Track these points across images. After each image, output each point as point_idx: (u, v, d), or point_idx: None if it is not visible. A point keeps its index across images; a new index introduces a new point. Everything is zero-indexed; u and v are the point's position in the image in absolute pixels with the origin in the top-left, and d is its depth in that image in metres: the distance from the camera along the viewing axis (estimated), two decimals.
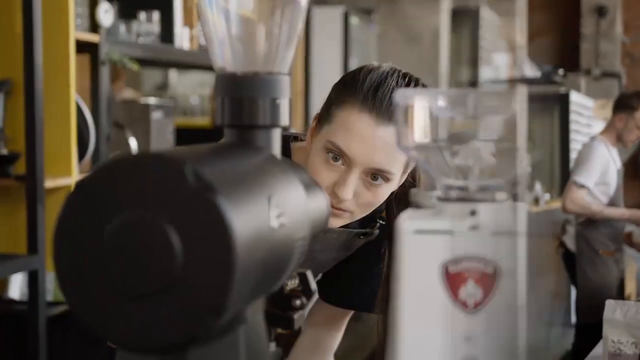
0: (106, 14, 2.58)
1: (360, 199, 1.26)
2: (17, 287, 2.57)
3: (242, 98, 0.77)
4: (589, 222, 4.23)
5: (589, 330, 4.12)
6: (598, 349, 2.10)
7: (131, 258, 0.59)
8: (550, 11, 6.87)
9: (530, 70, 5.79)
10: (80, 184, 0.61)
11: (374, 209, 1.29)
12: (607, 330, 1.89)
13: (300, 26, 0.81)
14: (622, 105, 4.26)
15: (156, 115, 2.94)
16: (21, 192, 2.33)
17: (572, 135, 6.61)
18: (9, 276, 2.55)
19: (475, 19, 6.82)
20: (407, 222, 0.67)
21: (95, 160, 2.57)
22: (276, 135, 0.79)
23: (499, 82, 5.40)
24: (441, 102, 0.68)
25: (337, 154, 1.23)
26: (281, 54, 0.79)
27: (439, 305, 0.66)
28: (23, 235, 2.29)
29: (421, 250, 0.67)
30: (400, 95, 0.69)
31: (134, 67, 2.71)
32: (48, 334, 2.35)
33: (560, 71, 6.29)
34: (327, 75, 5.72)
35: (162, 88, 5.43)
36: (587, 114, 7.11)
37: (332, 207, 1.25)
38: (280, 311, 0.85)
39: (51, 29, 2.40)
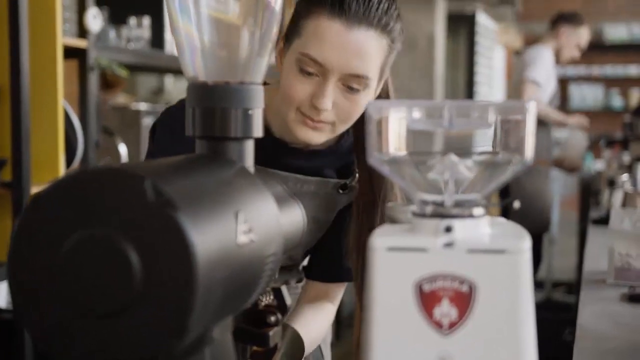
0: (95, 20, 2.55)
1: (339, 110, 1.24)
2: (3, 295, 2.54)
3: (213, 108, 0.75)
4: None
5: None
6: (601, 265, 1.87)
7: (89, 276, 0.57)
8: None
9: None
10: (37, 198, 0.58)
11: (354, 120, 1.27)
12: (613, 241, 1.72)
13: (274, 32, 0.79)
14: (568, 19, 4.47)
15: (147, 121, 2.91)
16: (7, 199, 2.31)
17: (476, 58, 6.73)
18: None
19: (472, 22, 6.83)
20: (379, 239, 0.65)
21: (84, 167, 2.54)
22: (249, 147, 0.76)
23: None
24: (416, 114, 0.66)
25: (310, 65, 1.21)
26: (254, 62, 0.77)
27: (413, 325, 0.64)
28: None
29: (394, 268, 0.64)
30: (373, 107, 0.66)
31: (123, 73, 2.68)
32: (34, 343, 2.32)
33: None
34: None
35: (157, 93, 5.40)
36: (491, 37, 7.24)
37: (312, 120, 1.24)
38: (254, 328, 0.82)
39: (38, 34, 2.38)
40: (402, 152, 0.68)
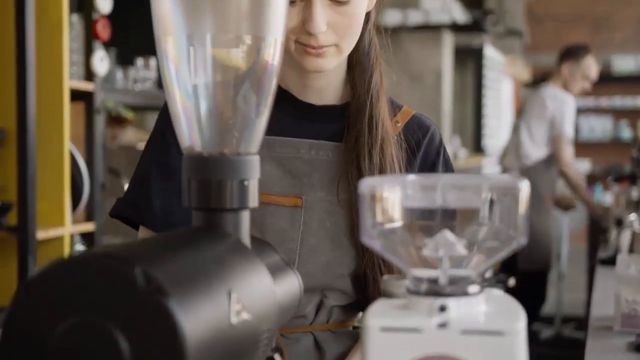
0: (102, 62, 2.57)
1: (336, 28, 1.18)
2: None
3: (209, 180, 0.74)
4: (535, 168, 4.39)
5: (528, 277, 4.18)
6: (608, 310, 1.84)
7: None
8: None
9: (460, 14, 5.77)
10: (27, 284, 0.58)
11: (357, 36, 1.21)
12: (620, 287, 1.69)
13: (269, 101, 0.79)
14: (569, 54, 4.56)
15: None
16: (13, 243, 2.31)
17: (484, 91, 6.76)
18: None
19: (479, 55, 6.86)
20: (373, 319, 0.64)
21: (90, 210, 2.55)
22: (245, 218, 0.76)
23: (428, 27, 5.40)
24: (409, 191, 0.65)
25: None
26: (250, 131, 0.77)
27: None
28: (15, 287, 2.26)
29: (389, 348, 0.64)
30: (365, 183, 0.66)
31: (129, 115, 2.70)
32: None
33: (490, 18, 6.28)
34: None
35: None
36: (498, 69, 7.27)
37: (313, 48, 1.17)
38: None
39: (45, 77, 2.39)
40: (396, 226, 0.67)
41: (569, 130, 4.39)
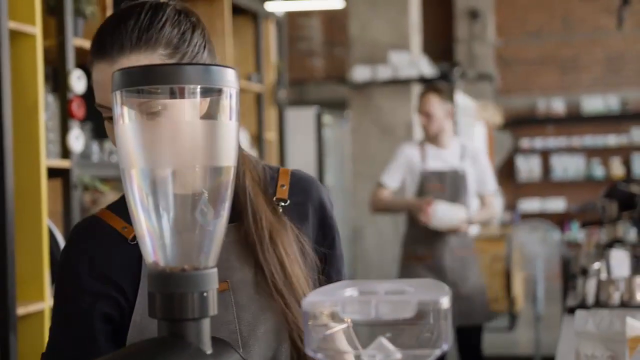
0: (77, 140, 2.66)
1: None
2: None
3: (172, 293, 0.83)
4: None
5: (461, 334, 4.11)
6: None
7: None
8: (424, 12, 6.84)
9: (427, 69, 5.88)
10: None
11: None
12: (579, 344, 1.72)
13: (225, 218, 0.88)
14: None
15: None
16: None
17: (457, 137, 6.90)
18: None
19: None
20: None
21: None
22: (205, 325, 0.85)
23: (397, 81, 5.49)
24: (347, 309, 0.74)
25: (105, 112, 1.18)
26: (208, 246, 0.86)
27: None
28: None
29: None
30: (308, 300, 0.75)
31: (105, 189, 2.78)
32: None
33: (457, 70, 6.37)
34: None
35: None
36: (470, 114, 7.43)
37: None
38: None
39: (23, 157, 2.47)
40: (336, 337, 0.76)
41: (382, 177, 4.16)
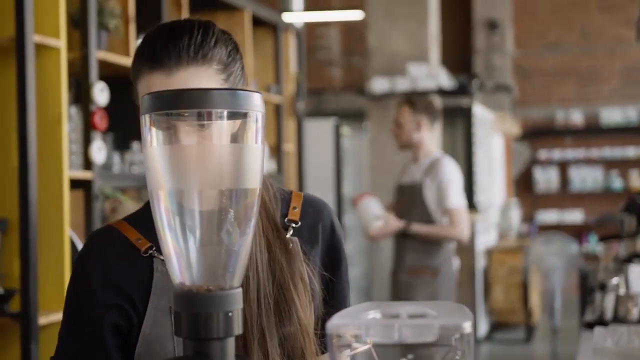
0: (99, 152, 2.69)
1: None
2: None
3: (198, 314, 0.85)
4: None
5: None
6: None
7: None
8: (442, 24, 6.79)
9: (446, 81, 5.88)
10: None
11: None
12: None
13: (250, 237, 0.89)
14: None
15: None
16: (16, 330, 2.40)
17: (474, 148, 6.90)
18: None
19: (468, 115, 7.01)
20: None
21: None
22: (230, 344, 0.86)
23: (415, 93, 5.50)
24: (371, 332, 0.76)
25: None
26: (234, 266, 0.88)
27: None
28: None
29: None
30: (332, 324, 0.77)
31: (125, 199, 2.81)
32: None
33: (475, 81, 6.37)
34: (321, 185, 5.86)
35: None
36: (488, 126, 7.41)
37: None
38: None
39: (46, 168, 2.51)
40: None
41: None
